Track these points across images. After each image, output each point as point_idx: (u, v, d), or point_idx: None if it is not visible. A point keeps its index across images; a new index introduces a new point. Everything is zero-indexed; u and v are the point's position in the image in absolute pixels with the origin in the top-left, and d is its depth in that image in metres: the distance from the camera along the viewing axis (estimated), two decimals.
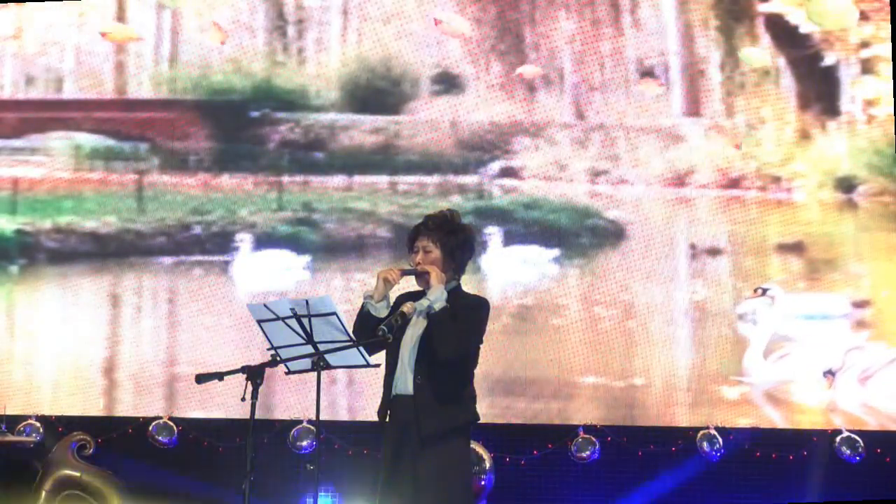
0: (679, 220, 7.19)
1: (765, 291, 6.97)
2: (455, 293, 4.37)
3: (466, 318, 4.30)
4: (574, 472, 6.94)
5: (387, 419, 4.36)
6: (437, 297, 4.22)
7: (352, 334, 4.14)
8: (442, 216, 4.45)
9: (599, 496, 6.94)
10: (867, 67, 7.21)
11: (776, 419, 7.00)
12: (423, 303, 4.24)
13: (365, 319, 4.24)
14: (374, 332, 4.11)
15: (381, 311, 4.24)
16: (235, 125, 7.52)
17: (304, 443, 6.99)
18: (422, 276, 4.33)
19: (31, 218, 7.55)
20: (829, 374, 6.94)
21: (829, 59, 7.23)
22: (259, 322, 4.17)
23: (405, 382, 4.31)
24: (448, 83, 7.40)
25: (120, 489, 6.85)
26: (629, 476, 6.92)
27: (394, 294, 4.35)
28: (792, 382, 6.99)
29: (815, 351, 6.98)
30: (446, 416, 4.28)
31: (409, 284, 4.41)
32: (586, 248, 7.21)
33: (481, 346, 4.42)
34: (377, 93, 7.46)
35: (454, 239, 4.40)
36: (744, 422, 6.97)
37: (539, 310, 7.16)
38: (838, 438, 6.80)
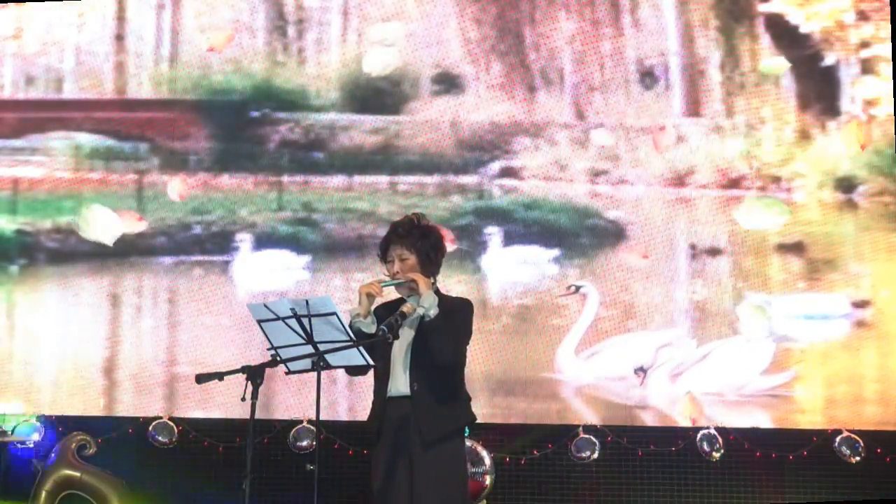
0: (679, 220, 7.19)
1: (577, 289, 6.99)
2: (439, 296, 4.37)
3: (458, 320, 4.31)
4: (574, 472, 6.94)
5: (381, 424, 4.35)
6: (430, 303, 4.22)
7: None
8: (409, 221, 4.45)
9: (599, 496, 6.94)
10: (867, 67, 7.21)
11: (776, 419, 6.99)
12: (419, 311, 4.23)
13: (357, 337, 4.23)
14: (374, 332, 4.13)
15: (370, 327, 4.24)
16: (235, 125, 7.52)
17: (304, 443, 6.99)
18: (403, 285, 4.33)
19: (31, 218, 7.55)
20: (641, 370, 6.95)
21: (829, 59, 7.23)
22: (259, 322, 4.17)
23: (400, 387, 4.32)
24: (448, 83, 7.40)
25: (120, 489, 6.85)
26: (629, 476, 6.92)
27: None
28: (604, 379, 7.00)
29: (626, 348, 7.00)
30: (446, 419, 4.29)
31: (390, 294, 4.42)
32: (586, 248, 7.21)
33: (468, 346, 4.44)
34: (377, 93, 7.46)
35: (427, 242, 4.40)
36: (744, 422, 6.97)
37: (539, 310, 7.16)
38: (838, 438, 6.80)
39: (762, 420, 6.98)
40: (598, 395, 7.06)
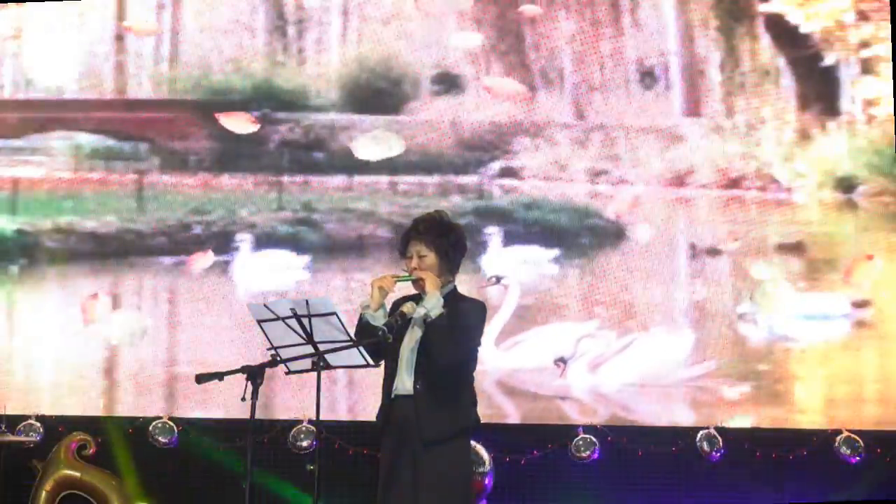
0: (679, 220, 7.19)
1: (499, 280, 7.00)
2: (452, 296, 4.37)
3: (464, 323, 4.30)
4: (574, 472, 6.94)
5: (387, 422, 4.36)
6: (433, 304, 4.22)
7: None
8: (431, 218, 4.44)
9: (599, 496, 6.93)
10: (867, 67, 7.21)
11: (776, 419, 6.99)
12: (420, 311, 4.23)
13: (365, 330, 4.23)
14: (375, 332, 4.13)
15: (379, 320, 4.24)
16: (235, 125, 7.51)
17: (304, 443, 6.99)
18: (417, 282, 4.33)
19: (31, 218, 7.55)
20: (561, 361, 6.96)
21: (829, 59, 7.23)
22: (259, 322, 4.17)
23: (405, 386, 4.32)
24: (448, 83, 7.40)
25: (120, 489, 6.84)
26: (629, 476, 6.92)
27: (389, 300, 4.36)
28: (523, 371, 7.02)
29: (547, 339, 7.01)
30: (447, 421, 4.29)
31: (405, 289, 4.42)
32: (586, 248, 7.21)
33: (479, 348, 4.43)
34: (377, 93, 7.46)
35: (447, 240, 4.39)
36: (744, 422, 6.97)
37: (539, 310, 7.16)
38: (838, 438, 6.80)
39: (683, 412, 6.99)
40: (517, 386, 7.07)
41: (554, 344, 7.03)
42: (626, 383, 7.03)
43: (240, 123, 7.42)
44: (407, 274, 4.36)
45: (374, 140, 7.24)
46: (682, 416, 7.02)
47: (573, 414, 7.04)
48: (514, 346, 7.04)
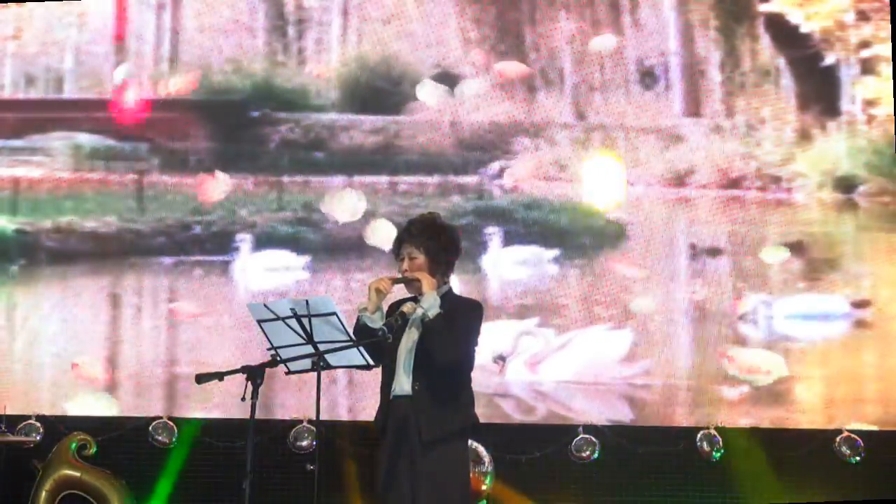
0: (679, 220, 7.19)
1: (503, 359, 7.00)
2: (447, 297, 4.37)
3: (461, 323, 4.31)
4: (574, 472, 6.94)
5: (386, 422, 4.37)
6: (430, 304, 4.23)
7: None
8: (423, 221, 4.46)
9: (599, 496, 6.94)
10: (867, 67, 7.21)
11: (776, 419, 6.99)
12: (418, 311, 4.24)
13: (363, 332, 4.24)
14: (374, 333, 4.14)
15: (376, 321, 4.25)
16: (235, 125, 7.52)
17: (304, 443, 6.99)
18: (412, 283, 4.35)
19: (31, 218, 7.55)
20: (500, 359, 6.96)
21: (829, 59, 7.23)
22: (259, 322, 4.17)
23: (403, 386, 4.33)
24: (448, 83, 7.40)
25: (120, 489, 6.84)
26: (629, 476, 6.92)
27: (386, 302, 4.37)
28: None
29: (486, 337, 7.01)
30: (446, 421, 4.30)
31: (401, 292, 4.43)
32: (586, 248, 7.21)
33: (476, 348, 4.44)
34: (377, 93, 7.46)
35: (437, 242, 4.40)
36: (744, 422, 6.97)
37: (539, 310, 7.16)
38: (838, 438, 6.80)
39: (621, 410, 7.00)
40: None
41: (493, 342, 7.01)
42: (564, 381, 7.02)
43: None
44: (402, 276, 4.38)
45: (339, 200, 7.26)
46: (621, 413, 7.01)
47: (510, 411, 7.04)
48: None
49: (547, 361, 7.03)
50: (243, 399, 4.01)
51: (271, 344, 4.18)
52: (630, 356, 7.03)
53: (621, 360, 7.04)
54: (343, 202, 7.28)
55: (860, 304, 7.02)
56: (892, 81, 7.14)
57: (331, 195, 7.33)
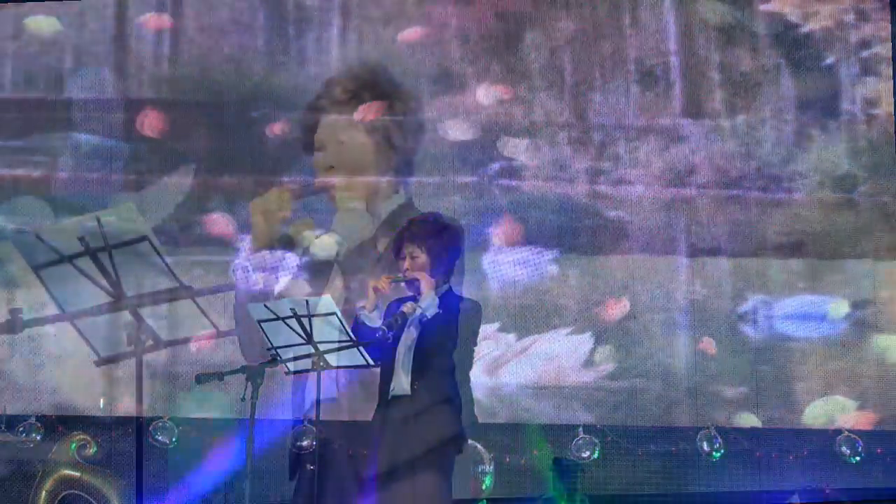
0: (679, 220, 7.19)
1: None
2: (447, 296, 4.38)
3: (460, 323, 4.32)
4: (575, 472, 6.94)
5: (384, 422, 4.38)
6: (428, 304, 4.24)
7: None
8: (424, 219, 4.48)
9: (600, 496, 6.94)
10: (867, 67, 7.21)
11: (776, 419, 6.99)
12: (417, 311, 4.25)
13: (360, 329, 4.25)
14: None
15: (374, 321, 4.27)
16: (235, 125, 7.51)
17: (304, 443, 6.99)
18: (412, 283, 4.35)
19: (31, 218, 7.54)
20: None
21: (829, 59, 7.23)
22: (259, 322, 4.18)
23: (402, 386, 4.34)
24: (448, 83, 7.40)
25: (120, 489, 6.85)
26: (629, 476, 6.92)
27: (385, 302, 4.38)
28: None
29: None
30: (443, 420, 4.31)
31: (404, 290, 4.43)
32: (586, 248, 7.21)
33: (475, 348, 4.44)
34: (377, 93, 7.44)
35: (439, 242, 4.41)
36: (744, 422, 6.97)
37: (539, 310, 7.15)
38: (838, 438, 6.80)
39: (621, 409, 6.99)
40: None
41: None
42: (524, 385, 7.01)
43: None
44: (402, 275, 4.38)
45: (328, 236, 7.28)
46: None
47: (511, 411, 7.02)
48: None
49: (507, 366, 7.01)
50: (243, 399, 4.02)
51: (271, 344, 4.19)
52: (630, 356, 7.03)
53: (582, 364, 7.01)
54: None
55: (860, 304, 7.02)
56: (892, 81, 7.13)
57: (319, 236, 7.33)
